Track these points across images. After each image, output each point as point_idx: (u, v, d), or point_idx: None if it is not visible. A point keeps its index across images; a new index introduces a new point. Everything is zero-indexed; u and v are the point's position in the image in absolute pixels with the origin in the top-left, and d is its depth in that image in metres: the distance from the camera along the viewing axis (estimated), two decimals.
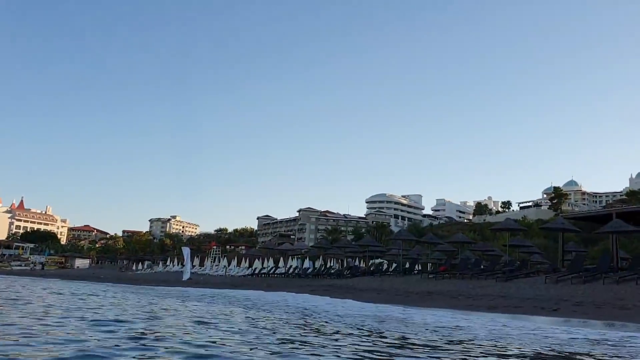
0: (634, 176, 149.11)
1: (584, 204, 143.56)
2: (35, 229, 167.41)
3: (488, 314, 15.68)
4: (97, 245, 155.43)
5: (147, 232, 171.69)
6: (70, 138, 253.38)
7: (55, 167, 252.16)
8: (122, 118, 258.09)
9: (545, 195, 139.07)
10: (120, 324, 8.88)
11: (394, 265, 43.78)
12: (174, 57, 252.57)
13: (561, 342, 9.10)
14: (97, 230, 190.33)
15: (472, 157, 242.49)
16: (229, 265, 63.26)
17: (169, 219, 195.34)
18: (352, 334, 9.38)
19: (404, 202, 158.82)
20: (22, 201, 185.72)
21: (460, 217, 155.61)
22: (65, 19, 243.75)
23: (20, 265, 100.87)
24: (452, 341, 8.83)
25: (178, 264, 70.15)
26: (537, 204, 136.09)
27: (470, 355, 7.11)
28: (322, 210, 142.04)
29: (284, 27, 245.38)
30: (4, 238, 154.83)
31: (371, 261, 48.56)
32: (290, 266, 51.90)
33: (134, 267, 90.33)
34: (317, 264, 53.10)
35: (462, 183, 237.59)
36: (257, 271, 52.86)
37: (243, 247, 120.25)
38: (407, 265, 40.40)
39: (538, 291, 20.40)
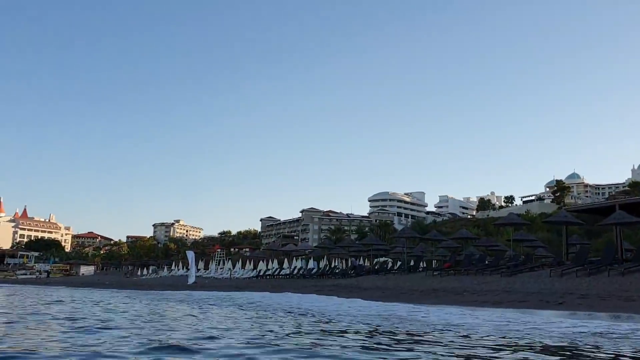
0: (636, 167, 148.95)
1: (587, 197, 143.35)
2: (39, 237, 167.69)
3: (495, 310, 15.69)
4: (102, 252, 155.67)
5: (151, 237, 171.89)
6: (69, 145, 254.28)
7: (57, 174, 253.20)
8: (122, 123, 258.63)
9: (547, 189, 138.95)
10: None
11: (399, 263, 43.78)
12: (174, 59, 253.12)
13: (567, 335, 9.11)
14: (101, 237, 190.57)
15: (474, 153, 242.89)
16: (233, 268, 63.30)
17: (173, 224, 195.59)
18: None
19: (407, 199, 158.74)
20: (25, 210, 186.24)
21: (463, 213, 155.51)
22: (65, 22, 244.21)
23: (26, 274, 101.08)
24: (466, 336, 8.88)
25: (183, 268, 70.23)
26: (539, 198, 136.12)
27: (485, 346, 7.16)
28: (325, 210, 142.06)
29: (285, 27, 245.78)
30: (8, 247, 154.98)
31: (375, 260, 48.56)
32: (295, 267, 51.90)
33: (139, 273, 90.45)
34: (322, 264, 53.10)
35: (465, 179, 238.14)
36: (261, 273, 52.87)
37: (247, 249, 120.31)
38: (412, 263, 40.39)
39: (543, 285, 20.39)
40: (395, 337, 8.82)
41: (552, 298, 17.43)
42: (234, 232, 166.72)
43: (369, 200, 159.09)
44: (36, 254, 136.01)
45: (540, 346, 7.86)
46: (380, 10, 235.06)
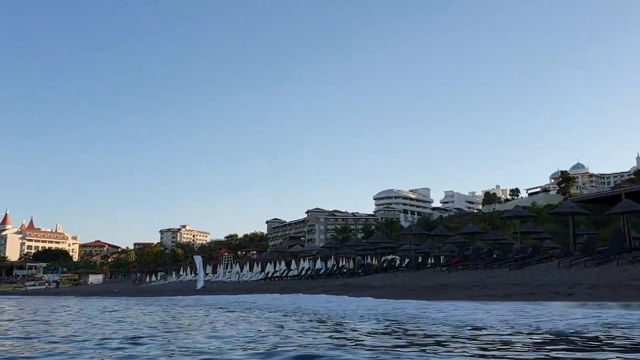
0: None
1: (592, 186, 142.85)
2: (46, 247, 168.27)
3: (505, 303, 15.67)
4: (110, 260, 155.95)
5: (158, 243, 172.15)
6: (73, 155, 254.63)
7: (62, 185, 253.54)
8: (125, 131, 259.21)
9: (552, 180, 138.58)
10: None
11: (407, 260, 43.76)
12: (176, 63, 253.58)
13: (578, 325, 9.10)
14: (109, 245, 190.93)
15: (478, 147, 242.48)
16: (241, 271, 63.38)
17: (179, 229, 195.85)
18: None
19: (412, 196, 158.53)
20: (31, 221, 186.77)
21: (469, 208, 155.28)
22: (68, 30, 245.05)
23: (35, 285, 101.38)
24: (477, 327, 8.90)
25: (191, 273, 70.36)
26: (545, 190, 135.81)
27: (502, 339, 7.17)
28: (331, 210, 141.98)
29: (287, 29, 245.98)
30: (16, 259, 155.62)
31: (383, 258, 48.56)
32: (303, 268, 51.92)
33: (147, 279, 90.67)
34: (329, 264, 53.11)
35: (470, 174, 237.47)
36: (269, 275, 52.91)
37: (254, 252, 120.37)
38: (420, 260, 40.38)
39: (552, 276, 20.36)
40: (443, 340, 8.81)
41: (561, 289, 17.40)
42: (240, 235, 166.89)
43: (374, 199, 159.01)
44: (44, 264, 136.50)
45: (555, 335, 7.85)
46: (382, 11, 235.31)
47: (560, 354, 6.24)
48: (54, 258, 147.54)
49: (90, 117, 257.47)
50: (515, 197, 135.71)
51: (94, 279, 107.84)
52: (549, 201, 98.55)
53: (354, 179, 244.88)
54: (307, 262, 56.03)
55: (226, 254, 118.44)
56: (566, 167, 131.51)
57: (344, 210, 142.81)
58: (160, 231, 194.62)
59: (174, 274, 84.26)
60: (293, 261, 57.49)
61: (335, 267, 48.97)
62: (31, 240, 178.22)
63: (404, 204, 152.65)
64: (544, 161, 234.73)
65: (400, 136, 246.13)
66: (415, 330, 9.33)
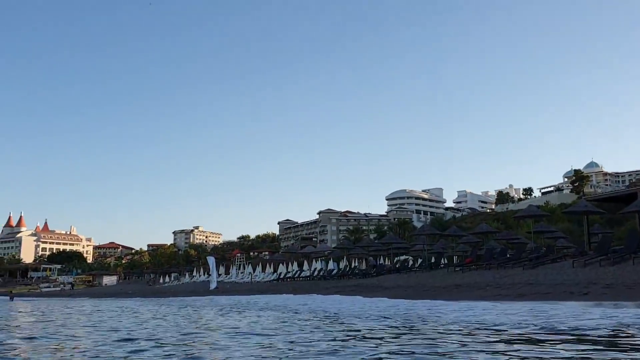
0: None
1: (607, 185, 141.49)
2: (61, 249, 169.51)
3: (519, 303, 15.57)
4: (123, 261, 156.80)
5: (171, 244, 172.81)
6: (87, 157, 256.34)
7: (76, 187, 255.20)
8: (138, 132, 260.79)
9: (566, 179, 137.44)
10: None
11: (419, 260, 43.64)
12: (185, 63, 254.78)
13: (596, 325, 9.02)
14: (122, 247, 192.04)
15: (490, 147, 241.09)
16: (254, 272, 63.54)
17: (192, 230, 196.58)
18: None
19: (425, 196, 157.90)
20: (46, 223, 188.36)
21: (482, 208, 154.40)
22: (72, 31, 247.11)
23: (49, 287, 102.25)
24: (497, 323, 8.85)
25: (204, 274, 70.65)
26: (558, 189, 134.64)
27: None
28: (342, 211, 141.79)
29: (298, 30, 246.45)
30: (31, 261, 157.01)
31: (396, 258, 48.44)
32: (315, 268, 51.97)
33: (161, 280, 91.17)
34: (342, 264, 53.10)
35: (482, 173, 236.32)
36: (282, 276, 53.00)
37: (266, 253, 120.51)
38: (433, 260, 40.23)
39: (566, 276, 20.21)
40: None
41: (576, 289, 17.27)
42: (252, 236, 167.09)
43: (387, 199, 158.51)
44: (59, 266, 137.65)
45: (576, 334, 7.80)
46: (392, 15, 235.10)
47: (582, 354, 6.20)
48: (69, 260, 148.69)
49: (105, 119, 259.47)
50: (529, 197, 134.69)
51: (108, 280, 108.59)
52: (562, 200, 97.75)
53: (366, 179, 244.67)
54: (319, 263, 56.08)
55: (239, 254, 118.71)
56: (580, 166, 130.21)
57: (356, 211, 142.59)
58: (173, 232, 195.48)
59: (187, 274, 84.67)
60: (305, 262, 57.57)
61: (348, 268, 48.96)
62: (46, 242, 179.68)
63: (416, 204, 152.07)
64: (557, 160, 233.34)
65: (413, 136, 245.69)
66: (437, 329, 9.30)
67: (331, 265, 53.59)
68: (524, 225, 56.75)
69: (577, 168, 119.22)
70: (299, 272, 53.00)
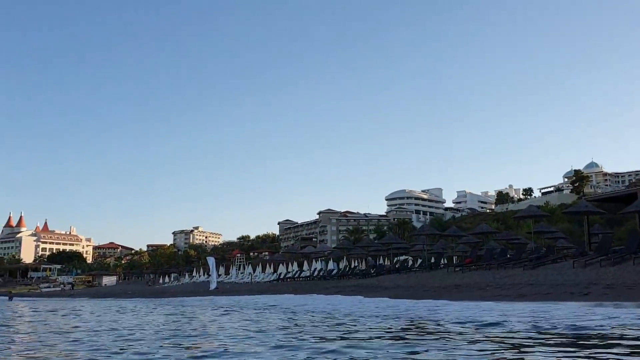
0: None
1: (607, 185, 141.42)
2: (60, 250, 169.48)
3: (520, 303, 15.55)
4: (123, 262, 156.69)
5: (171, 244, 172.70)
6: (86, 158, 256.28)
7: (76, 187, 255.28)
8: (137, 132, 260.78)
9: (566, 179, 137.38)
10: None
11: (419, 261, 43.63)
12: (184, 64, 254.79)
13: (598, 325, 9.01)
14: (122, 247, 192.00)
15: (490, 147, 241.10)
16: (254, 272, 63.51)
17: (192, 230, 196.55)
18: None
19: (425, 196, 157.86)
20: (45, 223, 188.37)
21: (482, 208, 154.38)
22: (75, 33, 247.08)
23: (49, 287, 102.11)
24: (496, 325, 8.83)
25: (204, 274, 70.61)
26: (558, 189, 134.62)
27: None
28: (342, 211, 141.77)
29: (295, 28, 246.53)
30: (31, 261, 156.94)
31: (396, 258, 48.41)
32: (315, 269, 51.95)
33: (160, 281, 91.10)
34: (341, 265, 53.08)
35: (482, 173, 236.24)
36: (282, 276, 52.99)
37: (266, 253, 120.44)
38: (433, 260, 40.22)
39: (567, 276, 20.19)
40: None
41: (576, 289, 17.24)
42: (252, 237, 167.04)
43: (386, 199, 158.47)
44: (58, 266, 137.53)
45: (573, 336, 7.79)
46: (393, 16, 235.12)
47: (583, 355, 6.19)
48: (68, 260, 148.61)
49: (105, 119, 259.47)
50: (529, 197, 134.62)
51: (108, 280, 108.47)
52: (562, 200, 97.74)
53: (365, 179, 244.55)
54: (319, 263, 56.06)
55: (238, 255, 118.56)
56: (580, 166, 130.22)
57: (355, 211, 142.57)
58: (173, 233, 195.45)
59: (187, 275, 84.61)
60: (305, 262, 57.55)
61: (348, 268, 48.96)
62: (45, 242, 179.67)
63: (416, 205, 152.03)
64: (557, 160, 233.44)
65: (412, 136, 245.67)
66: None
67: (331, 265, 53.57)
68: (524, 225, 56.74)
69: (577, 168, 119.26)
70: (299, 272, 52.99)
